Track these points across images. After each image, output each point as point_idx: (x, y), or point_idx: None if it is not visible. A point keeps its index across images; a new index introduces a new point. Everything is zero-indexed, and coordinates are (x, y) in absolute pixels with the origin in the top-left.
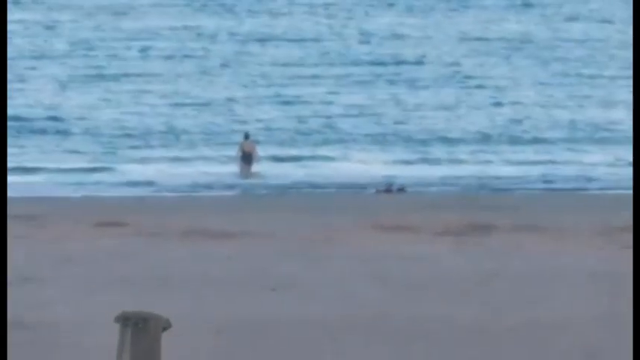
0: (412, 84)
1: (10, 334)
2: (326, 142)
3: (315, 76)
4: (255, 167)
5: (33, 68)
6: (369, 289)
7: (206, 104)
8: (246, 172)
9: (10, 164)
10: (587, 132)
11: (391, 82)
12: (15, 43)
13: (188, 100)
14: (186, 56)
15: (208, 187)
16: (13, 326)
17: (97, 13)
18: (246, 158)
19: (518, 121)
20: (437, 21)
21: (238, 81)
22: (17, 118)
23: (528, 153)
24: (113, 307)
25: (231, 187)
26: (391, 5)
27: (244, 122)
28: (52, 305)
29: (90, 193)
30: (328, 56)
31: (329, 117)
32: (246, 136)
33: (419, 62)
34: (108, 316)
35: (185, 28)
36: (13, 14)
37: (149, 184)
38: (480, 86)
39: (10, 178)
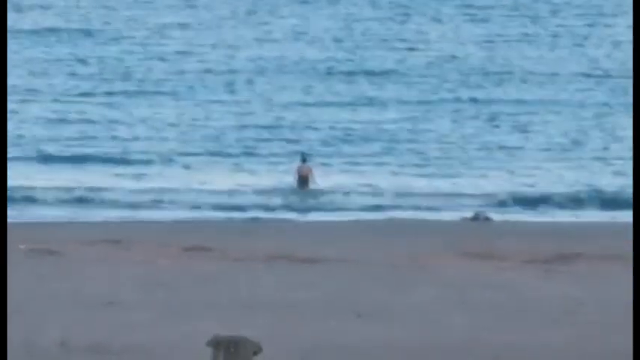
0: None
1: (97, 358)
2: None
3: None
4: (312, 186)
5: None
6: (455, 315)
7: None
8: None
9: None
10: None
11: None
12: None
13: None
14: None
15: (293, 211)
16: (99, 350)
17: None
18: (303, 182)
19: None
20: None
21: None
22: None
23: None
24: (200, 332)
25: (318, 212)
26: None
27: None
28: (140, 329)
29: (173, 217)
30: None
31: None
32: (303, 160)
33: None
34: (196, 341)
35: None
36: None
37: (234, 208)
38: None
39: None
